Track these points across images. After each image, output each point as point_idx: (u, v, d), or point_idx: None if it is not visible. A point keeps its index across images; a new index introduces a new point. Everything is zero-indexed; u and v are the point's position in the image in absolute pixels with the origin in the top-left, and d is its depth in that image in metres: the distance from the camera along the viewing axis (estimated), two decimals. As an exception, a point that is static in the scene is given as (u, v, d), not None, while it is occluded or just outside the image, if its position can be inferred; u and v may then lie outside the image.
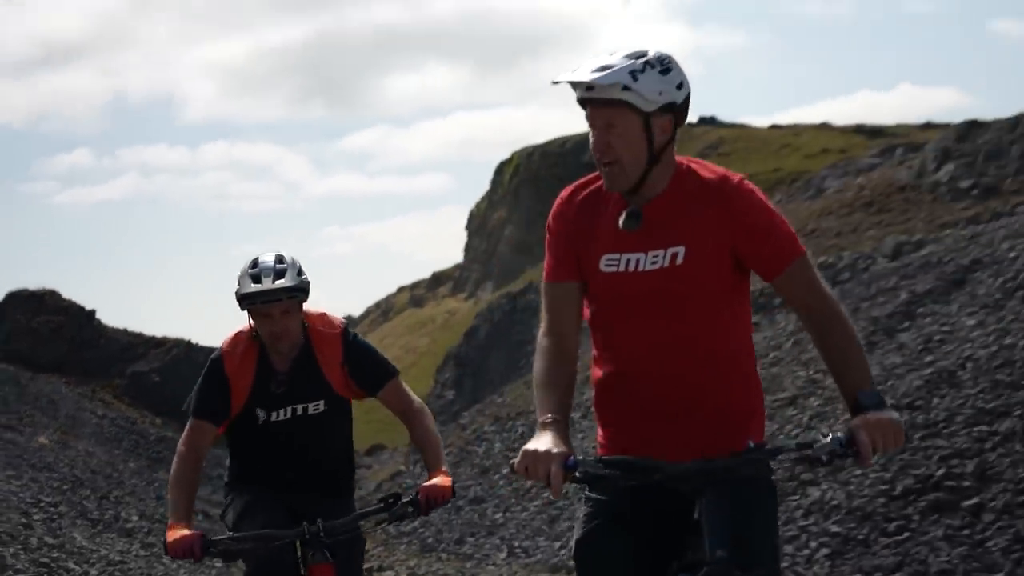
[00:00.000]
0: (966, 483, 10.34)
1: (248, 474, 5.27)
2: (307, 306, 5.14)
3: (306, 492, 5.17)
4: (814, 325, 3.58)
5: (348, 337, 5.20)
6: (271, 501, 5.14)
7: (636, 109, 3.47)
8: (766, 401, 13.87)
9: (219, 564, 8.46)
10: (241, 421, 5.17)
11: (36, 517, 11.88)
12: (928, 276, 15.55)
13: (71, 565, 9.67)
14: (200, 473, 5.12)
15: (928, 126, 46.16)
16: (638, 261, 3.59)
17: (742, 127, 57.19)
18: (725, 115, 59.57)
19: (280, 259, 4.97)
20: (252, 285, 4.90)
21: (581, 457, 3.38)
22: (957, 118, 25.34)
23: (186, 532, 4.70)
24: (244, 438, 5.25)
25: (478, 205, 68.85)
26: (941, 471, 10.60)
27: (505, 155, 68.03)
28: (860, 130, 50.40)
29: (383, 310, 79.70)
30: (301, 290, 4.96)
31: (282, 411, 5.14)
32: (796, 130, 53.40)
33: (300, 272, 4.98)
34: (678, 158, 3.67)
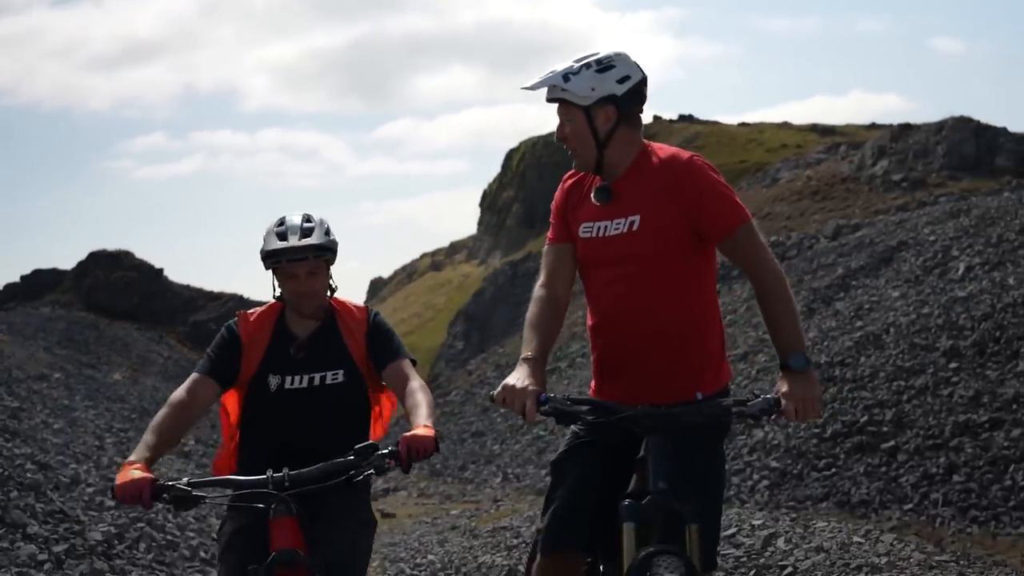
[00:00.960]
0: (885, 428, 10.41)
1: (254, 457, 4.08)
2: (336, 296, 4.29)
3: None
4: (757, 289, 3.60)
5: (374, 313, 4.31)
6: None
7: (575, 104, 3.59)
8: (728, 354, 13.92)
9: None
10: (253, 392, 4.15)
11: (108, 440, 11.99)
12: (861, 254, 15.57)
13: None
14: (184, 430, 4.06)
15: (873, 127, 45.94)
16: (605, 228, 3.66)
17: (715, 124, 56.90)
18: (701, 113, 59.35)
19: (308, 218, 4.09)
20: (278, 242, 4.02)
21: (552, 395, 3.43)
22: (899, 121, 25.27)
23: (137, 475, 3.61)
24: (255, 413, 4.17)
25: (490, 186, 68.65)
26: (865, 418, 10.68)
27: (514, 144, 67.82)
28: (815, 129, 50.14)
29: (408, 273, 79.65)
30: (328, 249, 4.07)
31: (298, 378, 4.11)
32: (760, 128, 53.11)
33: (328, 232, 4.12)
34: (646, 142, 3.72)
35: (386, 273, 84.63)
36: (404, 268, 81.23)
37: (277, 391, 4.11)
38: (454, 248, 73.94)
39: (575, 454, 3.69)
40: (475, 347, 27.48)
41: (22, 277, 43.32)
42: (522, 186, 60.99)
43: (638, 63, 3.68)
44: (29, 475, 7.56)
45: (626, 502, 3.38)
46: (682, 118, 57.36)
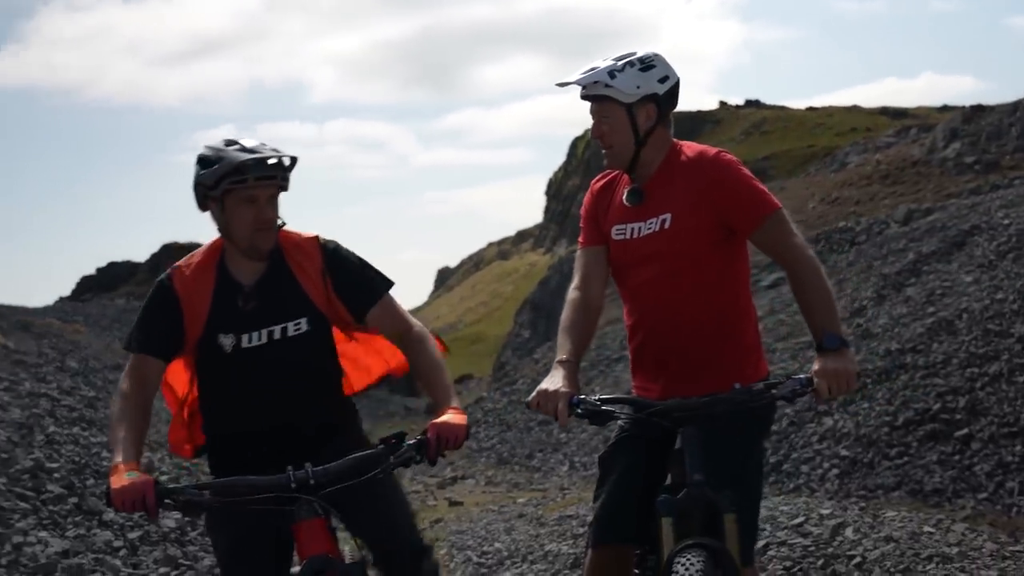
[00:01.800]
0: (958, 416, 10.25)
1: (222, 436, 3.64)
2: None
3: (297, 445, 3.48)
4: (790, 276, 3.58)
5: (326, 244, 3.64)
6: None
7: (618, 102, 3.60)
8: (790, 343, 13.77)
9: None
10: (205, 358, 3.58)
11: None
12: (933, 239, 15.30)
13: (207, 468, 9.92)
14: (148, 416, 3.48)
15: (945, 108, 45.13)
16: (638, 229, 3.69)
17: (782, 109, 56.36)
18: (769, 98, 58.68)
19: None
20: (243, 155, 3.39)
21: (583, 396, 3.47)
22: (972, 102, 24.77)
23: (135, 477, 3.13)
24: (212, 381, 3.62)
25: (555, 174, 68.69)
26: (937, 405, 10.52)
27: (579, 132, 67.69)
28: (885, 112, 49.44)
29: (475, 262, 79.99)
30: (292, 168, 3.49)
31: (255, 334, 3.51)
32: (829, 111, 52.54)
33: None
34: (675, 140, 3.74)
35: (453, 263, 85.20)
36: (471, 257, 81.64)
37: (233, 352, 3.52)
38: (521, 237, 74.12)
39: (620, 449, 3.72)
40: (541, 336, 27.49)
41: (98, 270, 44.39)
42: (587, 174, 60.91)
43: (671, 65, 3.69)
44: (105, 463, 7.72)
45: (662, 497, 3.40)
46: (748, 103, 56.93)
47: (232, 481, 3.22)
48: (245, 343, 3.52)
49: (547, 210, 68.70)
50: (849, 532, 6.27)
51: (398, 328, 3.63)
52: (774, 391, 3.38)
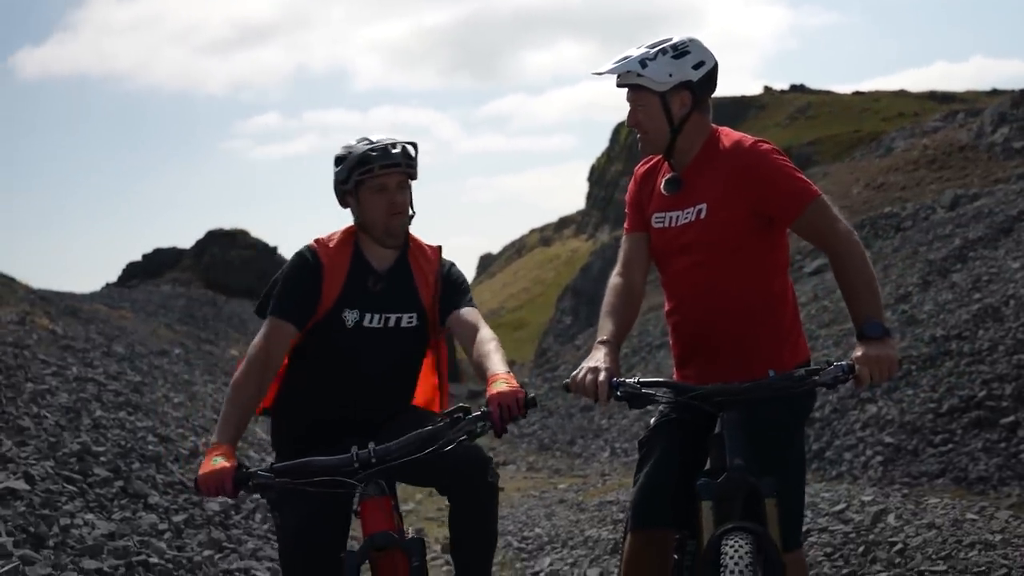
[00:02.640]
0: (1004, 404, 10.13)
1: (308, 398, 3.86)
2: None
3: (361, 425, 3.74)
4: (831, 261, 3.57)
5: (445, 259, 4.00)
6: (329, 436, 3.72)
7: (651, 89, 3.60)
8: (833, 330, 13.66)
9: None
10: (323, 332, 3.81)
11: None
12: (980, 225, 15.12)
13: (251, 453, 10.03)
14: (264, 390, 3.70)
15: (994, 92, 44.49)
16: (676, 218, 3.70)
17: (828, 93, 55.84)
18: (816, 83, 58.17)
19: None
20: (370, 146, 3.74)
21: (624, 379, 3.47)
22: (1022, 87, 24.36)
23: (219, 464, 3.32)
24: (320, 349, 3.82)
25: (598, 160, 68.50)
26: (983, 392, 10.41)
27: (621, 118, 67.46)
28: (933, 96, 48.85)
29: (517, 248, 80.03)
30: (416, 160, 3.82)
31: (376, 316, 3.81)
32: (876, 96, 51.98)
33: None
34: (715, 127, 3.73)
35: (495, 249, 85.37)
36: (513, 244, 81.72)
37: (355, 328, 3.80)
38: (563, 223, 74.07)
39: (660, 432, 3.72)
40: (583, 322, 27.50)
41: (144, 256, 44.84)
42: (630, 160, 60.70)
43: (710, 49, 3.67)
44: (151, 447, 7.83)
45: (702, 480, 3.40)
46: (793, 88, 56.47)
47: (300, 463, 3.33)
48: (367, 322, 3.81)
49: (589, 196, 68.59)
50: (891, 519, 6.23)
51: (474, 330, 3.75)
52: (815, 377, 3.36)
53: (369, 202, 3.76)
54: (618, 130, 66.79)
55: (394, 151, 3.72)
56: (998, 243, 14.12)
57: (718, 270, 3.61)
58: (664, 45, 3.62)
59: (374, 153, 3.70)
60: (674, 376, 3.83)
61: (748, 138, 3.67)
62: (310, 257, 3.82)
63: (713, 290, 3.63)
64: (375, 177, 3.72)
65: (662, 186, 3.76)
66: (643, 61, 3.59)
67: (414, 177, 3.83)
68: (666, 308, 3.84)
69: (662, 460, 3.64)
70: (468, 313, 3.85)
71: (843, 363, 3.35)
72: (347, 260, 3.83)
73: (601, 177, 65.96)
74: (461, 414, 3.36)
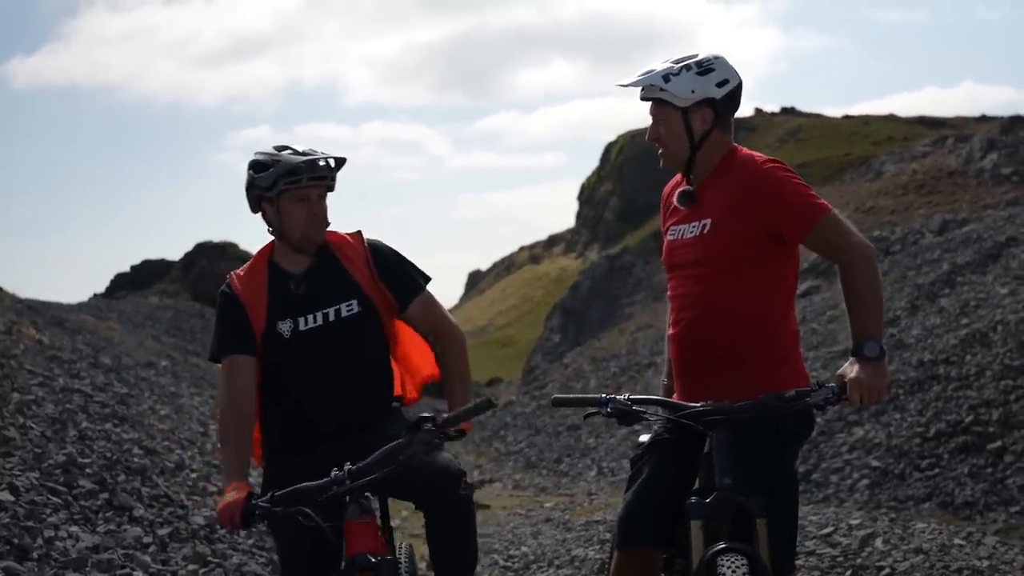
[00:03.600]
0: (991, 429, 10.16)
1: (281, 424, 3.86)
2: None
3: (347, 431, 3.76)
4: (840, 272, 3.54)
5: (369, 239, 3.98)
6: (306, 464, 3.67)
7: (673, 104, 3.60)
8: (821, 352, 13.66)
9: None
10: (268, 351, 3.81)
11: (212, 427, 12.23)
12: (968, 250, 15.17)
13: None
14: (251, 422, 3.74)
15: (983, 119, 44.67)
16: (684, 231, 3.71)
17: (818, 116, 56.02)
18: (807, 106, 58.44)
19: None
20: (297, 158, 3.73)
21: (613, 396, 3.50)
22: (1011, 114, 24.49)
23: (234, 496, 3.41)
24: (275, 373, 3.82)
25: (588, 179, 68.56)
26: (970, 417, 10.44)
27: (612, 137, 67.62)
28: (922, 121, 49.03)
29: (506, 265, 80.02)
30: (339, 169, 3.83)
31: (311, 317, 3.79)
32: (866, 120, 52.16)
33: None
34: (734, 146, 3.73)
35: (484, 266, 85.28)
36: (502, 261, 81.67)
37: (292, 336, 3.80)
38: (552, 241, 74.06)
39: (652, 451, 3.71)
40: (572, 340, 27.44)
41: (132, 267, 44.68)
42: (620, 180, 60.77)
43: (735, 67, 3.67)
44: (136, 459, 7.78)
45: (692, 500, 3.40)
46: (784, 111, 56.65)
47: (294, 490, 3.35)
48: (302, 326, 3.79)
49: (579, 215, 68.62)
50: (879, 543, 6.23)
51: (437, 323, 3.95)
52: (808, 399, 3.35)
53: (289, 211, 3.76)
54: (608, 149, 66.91)
55: (321, 164, 3.74)
56: (986, 269, 14.17)
57: (717, 285, 3.60)
58: (689, 61, 3.62)
59: (303, 165, 3.71)
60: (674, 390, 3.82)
61: (760, 156, 3.67)
62: (227, 290, 3.89)
63: (711, 305, 3.61)
64: (300, 188, 3.73)
65: (675, 198, 3.77)
66: (667, 76, 3.59)
67: (332, 189, 3.84)
68: (669, 320, 3.81)
69: (652, 478, 3.63)
70: (423, 306, 3.92)
71: (833, 385, 3.34)
72: (263, 278, 3.86)
73: (591, 196, 66.01)
74: (428, 423, 3.42)
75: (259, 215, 3.86)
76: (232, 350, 3.78)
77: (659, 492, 3.59)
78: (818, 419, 11.17)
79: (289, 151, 3.78)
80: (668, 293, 3.83)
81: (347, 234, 3.96)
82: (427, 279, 3.99)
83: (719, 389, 3.54)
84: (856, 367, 3.36)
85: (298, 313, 3.81)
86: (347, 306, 3.82)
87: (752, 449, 3.45)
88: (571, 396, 3.73)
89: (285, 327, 3.80)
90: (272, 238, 3.94)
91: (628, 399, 3.50)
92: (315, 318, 3.80)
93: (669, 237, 3.78)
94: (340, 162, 3.81)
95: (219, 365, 3.85)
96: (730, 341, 3.59)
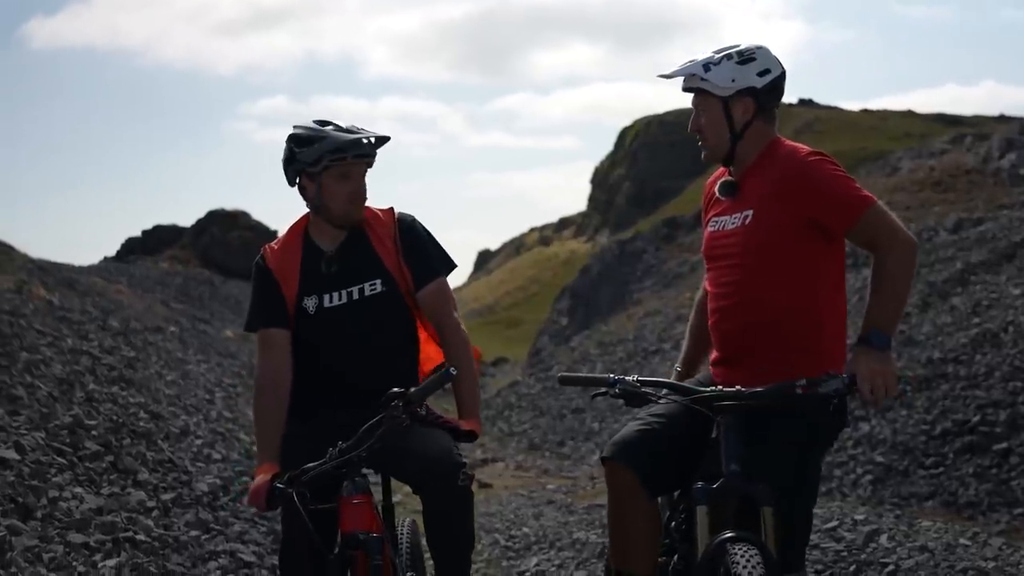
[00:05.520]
0: (998, 430, 10.12)
1: (305, 395, 3.85)
2: None
3: (366, 404, 3.62)
4: (875, 260, 3.46)
5: (402, 216, 3.96)
6: (317, 430, 3.70)
7: (714, 95, 3.57)
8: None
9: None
10: (297, 325, 3.87)
11: (218, 394, 12.25)
12: (982, 249, 15.09)
13: (241, 435, 9.98)
14: (286, 397, 3.80)
15: (1002, 118, 44.41)
16: (726, 223, 3.68)
17: (835, 109, 55.81)
18: (829, 99, 58.20)
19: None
20: (343, 135, 3.73)
21: (622, 377, 3.48)
22: (1027, 113, 24.36)
23: (260, 480, 3.52)
24: (300, 347, 3.87)
25: (602, 163, 68.46)
26: (977, 417, 10.40)
27: (628, 122, 67.45)
28: (940, 118, 48.82)
29: (516, 246, 79.95)
30: (380, 147, 3.84)
31: (336, 295, 3.83)
32: (883, 115, 51.95)
33: None
34: (778, 137, 3.68)
35: (494, 245, 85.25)
36: (512, 241, 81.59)
37: (317, 313, 3.84)
38: (563, 224, 73.98)
39: (649, 432, 3.63)
40: (579, 324, 27.37)
41: (143, 232, 44.66)
42: (633, 165, 60.69)
43: (778, 58, 3.63)
44: (142, 424, 7.78)
45: (698, 485, 3.36)
46: (802, 102, 56.42)
47: (301, 470, 3.41)
48: (327, 303, 3.84)
49: (591, 199, 68.52)
50: (883, 539, 6.19)
51: (440, 314, 3.89)
52: (816, 389, 3.28)
53: (331, 188, 3.77)
54: (623, 134, 66.77)
55: (365, 143, 3.75)
56: (1000, 269, 14.09)
57: (758, 277, 3.55)
58: (730, 51, 3.58)
59: (349, 143, 3.72)
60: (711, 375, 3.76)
61: (803, 148, 3.61)
62: (261, 263, 3.93)
63: (750, 296, 3.57)
64: (344, 165, 3.74)
65: (716, 189, 3.73)
66: (707, 65, 3.57)
67: (371, 166, 3.87)
68: (709, 308, 3.77)
69: (664, 420, 3.61)
70: (434, 295, 3.89)
71: (843, 376, 3.28)
72: (297, 254, 3.90)
73: (604, 180, 65.90)
74: (396, 400, 3.44)
75: (295, 189, 3.86)
76: (267, 323, 3.86)
77: (663, 435, 3.57)
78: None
79: (332, 127, 3.77)
80: (706, 284, 3.79)
81: (380, 210, 3.96)
82: (450, 267, 3.99)
83: (758, 379, 3.47)
84: (864, 359, 3.30)
85: (324, 290, 3.85)
86: (371, 285, 3.85)
87: (777, 438, 3.42)
88: (579, 375, 3.69)
89: (310, 303, 3.85)
90: (305, 212, 3.94)
91: (637, 380, 3.46)
92: (340, 296, 3.85)
93: (710, 228, 3.74)
94: (383, 140, 3.82)
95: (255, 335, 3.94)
96: (771, 331, 3.55)
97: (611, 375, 3.49)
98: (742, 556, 3.13)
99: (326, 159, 3.71)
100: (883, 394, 3.28)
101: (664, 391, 3.52)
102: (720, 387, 3.44)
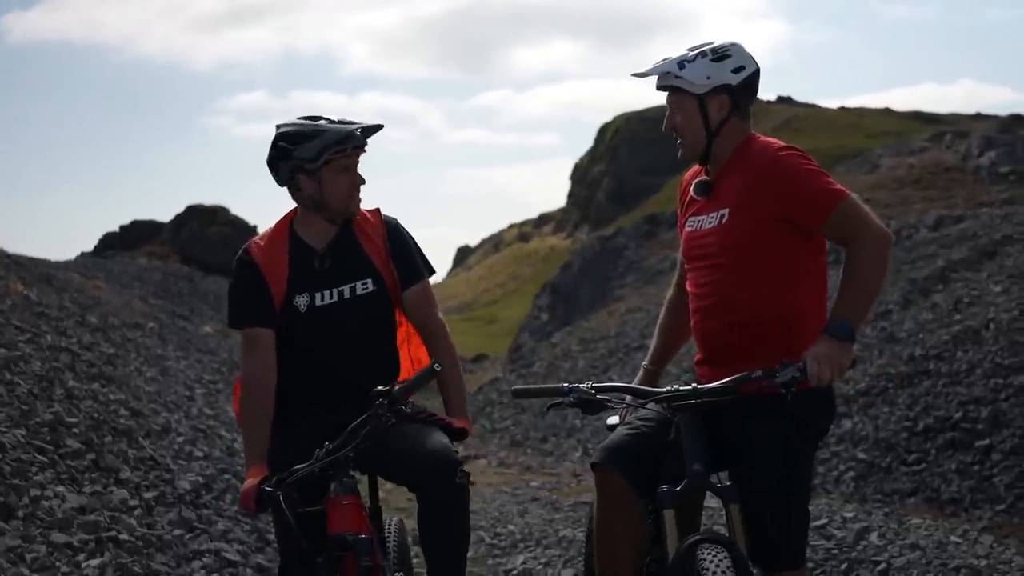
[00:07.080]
0: (980, 426, 10.15)
1: (292, 403, 3.75)
2: None
3: (357, 407, 3.55)
4: (847, 253, 3.42)
5: (387, 218, 3.92)
6: (306, 431, 3.65)
7: (689, 92, 3.55)
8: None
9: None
10: (284, 323, 3.76)
11: (198, 391, 12.15)
12: (963, 247, 15.14)
13: (223, 432, 9.89)
14: (272, 396, 3.71)
15: (979, 117, 44.66)
16: (702, 222, 3.64)
17: (814, 107, 55.96)
18: (808, 97, 58.36)
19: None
20: (343, 127, 3.69)
21: (577, 384, 3.45)
22: (1007, 114, 24.48)
23: (249, 483, 3.45)
24: (287, 347, 3.77)
25: (582, 159, 68.46)
26: (959, 414, 10.42)
27: (608, 118, 67.49)
28: (918, 116, 49.01)
29: (495, 242, 79.90)
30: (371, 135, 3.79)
31: (327, 293, 3.75)
32: (861, 112, 52.11)
33: None
34: (753, 133, 3.65)
35: (473, 242, 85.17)
36: (491, 238, 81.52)
37: (308, 311, 3.75)
38: (542, 220, 73.94)
39: (627, 437, 3.59)
40: (560, 320, 27.31)
41: (121, 227, 44.37)
42: (614, 161, 60.68)
43: (752, 55, 3.61)
44: (123, 421, 7.68)
45: (663, 488, 3.34)
46: (780, 99, 56.58)
47: (290, 472, 3.38)
48: (319, 301, 3.75)
49: (571, 195, 68.53)
50: (874, 537, 6.17)
51: (425, 314, 3.87)
52: (772, 379, 3.24)
53: (332, 182, 3.70)
54: (603, 131, 66.80)
55: (359, 133, 3.70)
56: (980, 266, 14.15)
57: (736, 276, 3.52)
58: (704, 48, 3.57)
59: (350, 134, 3.67)
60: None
61: (776, 143, 3.58)
62: (246, 258, 3.82)
63: (729, 295, 3.53)
64: (345, 157, 3.68)
65: (692, 189, 3.70)
66: (681, 63, 3.54)
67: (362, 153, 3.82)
68: (691, 308, 3.72)
69: (642, 423, 3.58)
70: (419, 296, 3.85)
71: (798, 365, 3.24)
72: (284, 250, 3.79)
73: (584, 176, 65.92)
74: (381, 399, 3.40)
75: (283, 187, 3.79)
76: (254, 322, 3.75)
77: (642, 438, 3.53)
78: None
79: (325, 121, 3.71)
80: (687, 285, 3.74)
81: (367, 210, 3.89)
82: (431, 271, 3.95)
83: (718, 372, 3.46)
84: (822, 345, 3.27)
85: (316, 288, 3.77)
86: (362, 284, 3.79)
87: (765, 436, 3.40)
88: (532, 387, 3.67)
89: (302, 301, 3.76)
90: (292, 208, 3.86)
91: (591, 387, 3.43)
92: (331, 294, 3.77)
93: (688, 228, 3.69)
94: (376, 128, 3.77)
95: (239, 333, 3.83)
96: (751, 330, 3.51)
97: (565, 384, 3.45)
98: (711, 560, 3.12)
99: (327, 153, 3.64)
100: (828, 375, 3.22)
101: (618, 394, 3.50)
102: (676, 387, 3.41)
